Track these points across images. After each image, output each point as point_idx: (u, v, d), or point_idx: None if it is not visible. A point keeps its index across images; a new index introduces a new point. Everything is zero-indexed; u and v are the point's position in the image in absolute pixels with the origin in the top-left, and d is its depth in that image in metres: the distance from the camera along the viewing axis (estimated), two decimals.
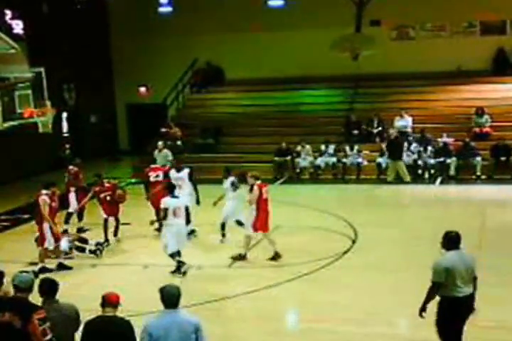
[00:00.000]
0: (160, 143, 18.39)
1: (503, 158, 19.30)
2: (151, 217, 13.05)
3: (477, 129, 20.53)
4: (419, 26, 24.51)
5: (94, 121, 26.71)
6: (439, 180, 19.43)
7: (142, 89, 26.77)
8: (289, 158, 20.79)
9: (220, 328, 8.79)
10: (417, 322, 7.65)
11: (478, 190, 18.25)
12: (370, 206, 17.01)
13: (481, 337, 8.39)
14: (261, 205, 11.95)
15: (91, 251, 12.82)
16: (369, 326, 9.11)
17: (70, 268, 12.11)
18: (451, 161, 19.47)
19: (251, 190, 12.05)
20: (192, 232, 13.76)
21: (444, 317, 7.39)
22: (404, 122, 21.18)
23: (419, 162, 19.91)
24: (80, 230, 14.55)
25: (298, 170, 20.78)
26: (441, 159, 19.57)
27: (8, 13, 18.09)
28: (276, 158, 20.78)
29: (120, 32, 26.55)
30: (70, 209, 14.72)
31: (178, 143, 22.36)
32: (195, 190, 13.76)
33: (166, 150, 18.14)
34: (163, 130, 22.59)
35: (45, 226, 11.79)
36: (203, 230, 13.97)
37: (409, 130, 21.14)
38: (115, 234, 13.83)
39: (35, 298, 6.26)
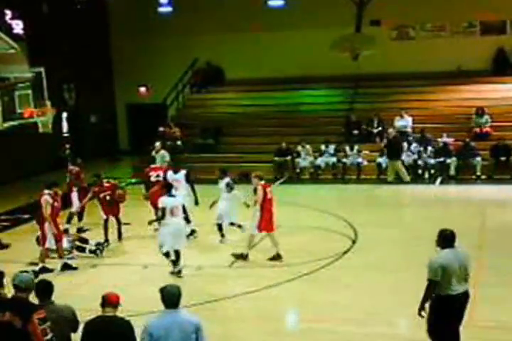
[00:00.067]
0: (157, 143, 18.29)
1: (503, 158, 19.30)
2: (151, 216, 13.05)
3: (477, 129, 20.54)
4: (419, 26, 24.50)
5: (94, 121, 26.71)
6: (439, 180, 19.43)
7: (142, 89, 26.77)
8: (289, 158, 20.79)
9: (219, 328, 8.79)
10: (417, 322, 7.65)
11: (478, 190, 18.25)
12: (370, 206, 17.01)
13: (480, 337, 8.41)
14: (265, 205, 11.95)
15: (91, 251, 12.84)
16: (369, 326, 9.11)
17: (75, 268, 12.12)
18: (451, 161, 19.47)
19: (255, 191, 12.03)
20: (192, 232, 13.77)
21: (437, 315, 7.41)
22: (404, 122, 21.19)
23: (419, 162, 19.91)
24: (80, 230, 14.56)
25: (298, 170, 20.78)
26: (441, 159, 19.57)
27: (8, 13, 18.06)
28: (276, 158, 20.78)
29: (120, 32, 26.55)
30: (73, 209, 14.75)
31: (178, 143, 22.37)
32: (193, 191, 13.74)
33: (163, 151, 18.03)
34: (161, 129, 22.60)
35: (47, 226, 11.80)
36: (203, 230, 13.97)
37: (409, 130, 21.15)
38: (119, 237, 13.81)
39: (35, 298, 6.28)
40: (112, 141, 27.12)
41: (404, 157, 19.92)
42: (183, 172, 13.93)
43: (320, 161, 20.62)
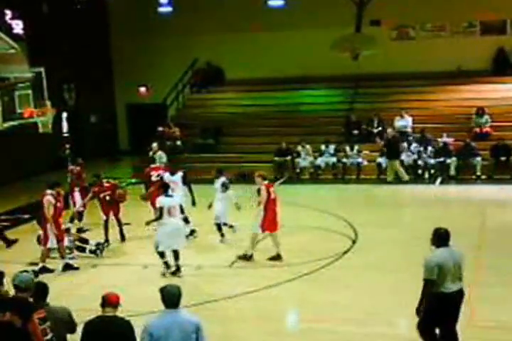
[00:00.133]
0: (154, 144, 18.23)
1: (503, 158, 19.29)
2: (151, 217, 13.04)
3: (477, 129, 20.53)
4: (419, 26, 24.51)
5: (94, 121, 26.71)
6: (439, 180, 19.43)
7: (142, 89, 26.77)
8: (289, 158, 20.79)
9: (220, 328, 8.80)
10: (417, 322, 7.65)
11: (478, 190, 18.25)
12: (370, 206, 17.01)
13: (480, 337, 8.41)
14: (269, 205, 11.95)
15: (91, 251, 12.84)
16: (369, 326, 9.11)
17: (76, 268, 12.12)
18: (451, 161, 19.47)
19: (258, 192, 12.00)
20: (192, 232, 13.77)
21: (432, 313, 7.43)
22: (404, 122, 21.20)
23: (419, 162, 19.92)
24: (80, 230, 14.57)
25: (298, 170, 20.78)
26: (441, 159, 19.57)
27: (8, 13, 18.07)
28: (276, 158, 20.78)
29: (120, 32, 26.55)
30: (77, 209, 14.75)
31: (178, 143, 22.38)
32: (191, 192, 13.68)
33: (160, 152, 18.01)
34: (160, 129, 22.59)
35: (49, 226, 11.80)
36: (202, 230, 13.96)
37: (409, 130, 21.16)
38: (122, 239, 13.79)
39: None
40: (112, 141, 27.13)
41: (404, 157, 19.95)
42: (180, 173, 13.92)
43: (320, 161, 20.62)
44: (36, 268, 11.70)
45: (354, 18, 22.44)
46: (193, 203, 13.62)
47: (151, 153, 18.21)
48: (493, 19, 23.54)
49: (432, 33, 24.42)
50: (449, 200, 17.79)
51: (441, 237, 7.52)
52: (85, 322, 6.18)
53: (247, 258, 12.14)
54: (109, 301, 6.15)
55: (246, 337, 8.99)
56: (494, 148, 19.47)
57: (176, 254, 11.50)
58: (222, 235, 13.53)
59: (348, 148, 20.63)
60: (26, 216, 15.71)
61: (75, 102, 25.26)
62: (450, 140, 20.00)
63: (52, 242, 11.86)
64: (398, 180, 19.51)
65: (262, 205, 11.93)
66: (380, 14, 23.43)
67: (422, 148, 20.00)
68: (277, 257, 12.11)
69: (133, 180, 20.10)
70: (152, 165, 15.63)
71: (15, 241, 13.89)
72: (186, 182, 13.83)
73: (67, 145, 17.10)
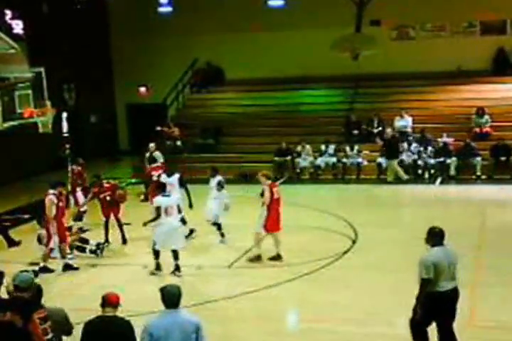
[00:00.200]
0: (151, 144, 18.23)
1: (503, 158, 19.29)
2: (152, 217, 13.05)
3: (477, 129, 20.53)
4: (419, 26, 24.50)
5: (94, 121, 26.71)
6: (439, 180, 19.43)
7: (142, 89, 26.76)
8: (289, 158, 20.79)
9: (220, 328, 8.80)
10: None
11: (478, 190, 18.25)
12: (370, 206, 17.01)
13: (480, 337, 8.41)
14: (272, 205, 11.93)
15: (91, 251, 12.85)
16: (369, 326, 9.11)
17: (76, 268, 12.12)
18: (451, 161, 19.47)
19: (262, 194, 11.98)
20: (191, 232, 13.75)
21: (427, 312, 7.46)
22: (404, 122, 21.20)
23: (419, 162, 19.92)
24: (80, 230, 14.55)
25: (298, 170, 20.79)
26: (441, 159, 19.57)
27: (8, 13, 18.06)
28: (276, 158, 20.78)
29: (120, 32, 26.56)
30: (81, 208, 14.75)
31: (178, 143, 22.38)
32: (188, 194, 13.56)
33: (157, 152, 18.01)
34: (159, 129, 22.59)
35: (52, 226, 11.79)
36: (202, 230, 13.95)
37: (409, 130, 21.16)
38: (123, 241, 13.72)
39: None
40: (112, 141, 27.13)
41: (404, 157, 19.95)
42: (176, 175, 13.88)
43: (320, 161, 20.62)
44: (37, 267, 11.70)
45: (354, 18, 22.44)
46: (190, 205, 13.48)
47: (147, 154, 18.18)
48: (493, 19, 23.54)
49: (432, 33, 24.42)
50: (449, 200, 17.79)
51: (435, 236, 7.56)
52: (85, 322, 6.17)
53: (258, 258, 12.10)
54: (109, 301, 6.15)
55: (246, 337, 8.99)
56: (494, 148, 19.48)
57: (175, 254, 11.49)
58: (222, 235, 13.53)
59: (348, 148, 20.63)
60: (26, 216, 15.69)
61: (75, 102, 25.26)
62: (450, 140, 20.01)
63: (54, 242, 11.86)
64: (398, 180, 19.51)
65: (266, 205, 11.92)
66: (380, 14, 23.43)
67: (422, 148, 20.00)
68: (277, 257, 12.11)
69: (133, 180, 20.11)
70: (153, 165, 15.64)
71: (17, 244, 13.87)
72: (183, 184, 13.77)
73: (67, 145, 17.11)
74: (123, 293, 6.57)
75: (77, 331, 6.24)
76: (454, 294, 7.54)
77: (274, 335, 8.97)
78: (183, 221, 13.23)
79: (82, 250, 12.88)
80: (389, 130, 20.55)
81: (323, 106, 23.71)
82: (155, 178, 14.57)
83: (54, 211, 11.75)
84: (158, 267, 11.62)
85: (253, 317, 9.64)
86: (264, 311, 9.82)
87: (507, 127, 20.67)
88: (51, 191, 11.91)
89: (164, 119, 24.16)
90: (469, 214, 15.27)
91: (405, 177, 19.52)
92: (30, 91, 13.95)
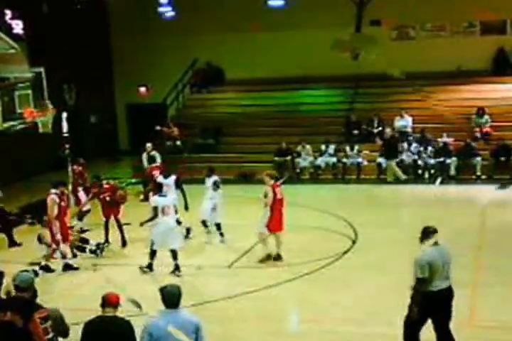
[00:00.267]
0: (148, 144, 18.21)
1: (502, 158, 19.28)
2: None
3: (477, 129, 20.51)
4: (419, 26, 24.51)
5: (94, 121, 26.70)
6: (439, 180, 19.43)
7: (142, 89, 26.75)
8: (289, 158, 20.79)
9: (220, 328, 8.80)
10: None
11: (478, 190, 18.25)
12: (370, 206, 17.01)
13: (480, 337, 8.41)
14: (275, 205, 11.93)
15: (91, 251, 12.85)
16: (369, 326, 9.11)
17: (76, 268, 12.12)
18: (451, 161, 19.47)
19: (265, 196, 11.96)
20: (188, 231, 13.71)
21: (421, 312, 7.48)
22: (404, 122, 21.20)
23: (419, 162, 19.92)
24: (80, 230, 14.55)
25: (298, 170, 20.78)
26: (441, 159, 19.57)
27: (8, 13, 18.04)
28: (276, 158, 20.77)
29: (120, 32, 26.55)
30: (84, 208, 14.74)
31: (178, 143, 22.38)
32: (184, 196, 13.55)
33: (154, 152, 17.99)
34: (158, 128, 22.59)
35: (55, 225, 11.79)
36: (202, 230, 13.94)
37: (409, 130, 21.16)
38: (123, 244, 13.65)
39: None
40: (112, 141, 27.13)
41: (404, 157, 19.95)
42: (173, 177, 13.86)
43: (320, 161, 20.62)
44: (37, 266, 11.70)
45: (354, 18, 22.46)
46: (186, 207, 13.45)
47: (144, 154, 18.16)
48: (493, 19, 23.54)
49: (431, 33, 24.43)
50: (449, 200, 17.79)
51: (429, 235, 7.57)
52: (85, 322, 6.17)
53: (269, 257, 12.09)
54: (109, 301, 6.15)
55: (246, 337, 8.99)
56: (494, 149, 19.47)
57: (173, 254, 11.49)
58: (222, 234, 13.53)
59: (348, 148, 20.63)
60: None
61: (75, 102, 25.25)
62: (450, 140, 20.01)
63: (58, 242, 11.87)
64: (398, 180, 19.51)
65: (269, 206, 11.92)
66: (380, 14, 23.43)
67: (422, 148, 20.00)
68: (277, 257, 12.12)
69: (133, 180, 20.10)
70: (153, 165, 15.64)
71: (18, 245, 13.86)
72: (179, 185, 13.74)
73: (67, 145, 17.09)
74: (123, 293, 6.56)
75: (78, 331, 6.24)
76: (448, 293, 7.57)
77: (274, 335, 8.97)
78: (178, 222, 13.22)
79: (82, 250, 12.88)
80: (388, 130, 20.58)
81: (323, 106, 23.71)
82: (156, 177, 14.56)
83: (56, 210, 11.75)
84: (150, 267, 11.63)
85: (253, 317, 9.64)
86: (264, 311, 9.82)
87: (507, 127, 20.66)
88: (53, 190, 11.91)
89: (164, 119, 24.16)
90: (469, 214, 15.27)
91: (403, 177, 19.54)
92: (30, 91, 13.93)
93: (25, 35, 18.36)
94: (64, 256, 12.04)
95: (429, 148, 19.91)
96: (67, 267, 12.00)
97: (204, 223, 13.57)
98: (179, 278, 11.19)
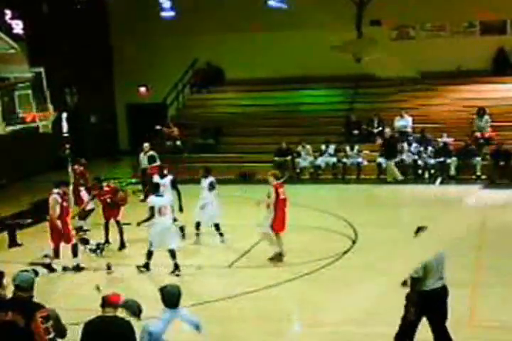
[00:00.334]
0: (146, 144, 18.19)
1: (502, 163, 19.15)
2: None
3: (478, 134, 20.36)
4: (419, 26, 24.51)
5: (94, 121, 26.70)
6: (439, 180, 19.43)
7: (142, 89, 26.75)
8: (289, 158, 20.79)
9: (219, 328, 8.79)
10: None
11: (478, 190, 18.22)
12: (370, 206, 17.01)
13: (481, 337, 8.41)
14: (279, 205, 11.93)
15: (91, 251, 12.85)
16: (369, 326, 9.11)
17: (82, 269, 12.09)
18: (451, 161, 19.47)
19: (269, 196, 11.95)
20: (182, 230, 13.68)
21: (416, 311, 7.51)
22: (404, 122, 21.20)
23: (419, 162, 19.92)
24: (80, 230, 14.54)
25: (298, 170, 20.79)
26: (441, 159, 19.57)
27: (8, 13, 18.06)
28: (276, 158, 20.77)
29: (120, 32, 26.54)
30: (89, 207, 14.74)
31: (178, 143, 22.38)
32: (179, 197, 13.52)
33: (151, 152, 17.98)
34: (158, 127, 22.58)
35: (58, 224, 11.78)
36: (202, 230, 13.93)
37: (409, 130, 21.16)
38: (122, 245, 13.55)
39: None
40: (112, 141, 27.12)
41: (404, 157, 19.96)
42: (169, 177, 13.86)
43: (320, 161, 20.63)
44: (37, 267, 11.68)
45: (354, 18, 22.42)
46: (180, 209, 13.42)
47: (141, 154, 18.14)
48: (493, 19, 23.53)
49: (431, 33, 24.42)
50: (449, 200, 17.77)
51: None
52: (85, 322, 6.17)
53: (278, 256, 12.07)
54: (110, 301, 6.15)
55: (246, 337, 8.99)
56: (495, 153, 19.41)
57: (172, 253, 11.49)
58: (221, 234, 13.52)
59: (348, 148, 20.64)
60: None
61: (75, 102, 25.25)
62: (450, 140, 20.00)
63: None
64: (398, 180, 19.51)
65: (272, 206, 11.91)
66: (380, 14, 23.41)
67: (422, 148, 20.01)
68: (278, 257, 12.09)
69: (133, 180, 20.10)
70: (153, 164, 15.64)
71: (19, 245, 13.87)
72: (175, 186, 13.73)
73: (67, 146, 17.09)
74: (123, 293, 6.56)
75: (78, 331, 6.24)
76: (443, 292, 7.61)
77: (274, 335, 8.97)
78: (174, 220, 13.21)
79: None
80: (387, 130, 20.59)
81: (323, 106, 23.71)
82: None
83: (58, 210, 11.74)
84: (146, 266, 11.63)
85: (253, 317, 9.65)
86: (264, 311, 9.82)
87: (507, 127, 20.66)
88: (55, 190, 11.91)
89: (164, 119, 24.17)
90: (469, 215, 15.24)
91: (400, 177, 19.54)
92: (30, 92, 13.94)
93: (25, 35, 18.38)
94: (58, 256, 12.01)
95: (429, 148, 19.91)
96: (67, 268, 11.97)
97: (197, 225, 13.53)
98: (179, 278, 11.20)
